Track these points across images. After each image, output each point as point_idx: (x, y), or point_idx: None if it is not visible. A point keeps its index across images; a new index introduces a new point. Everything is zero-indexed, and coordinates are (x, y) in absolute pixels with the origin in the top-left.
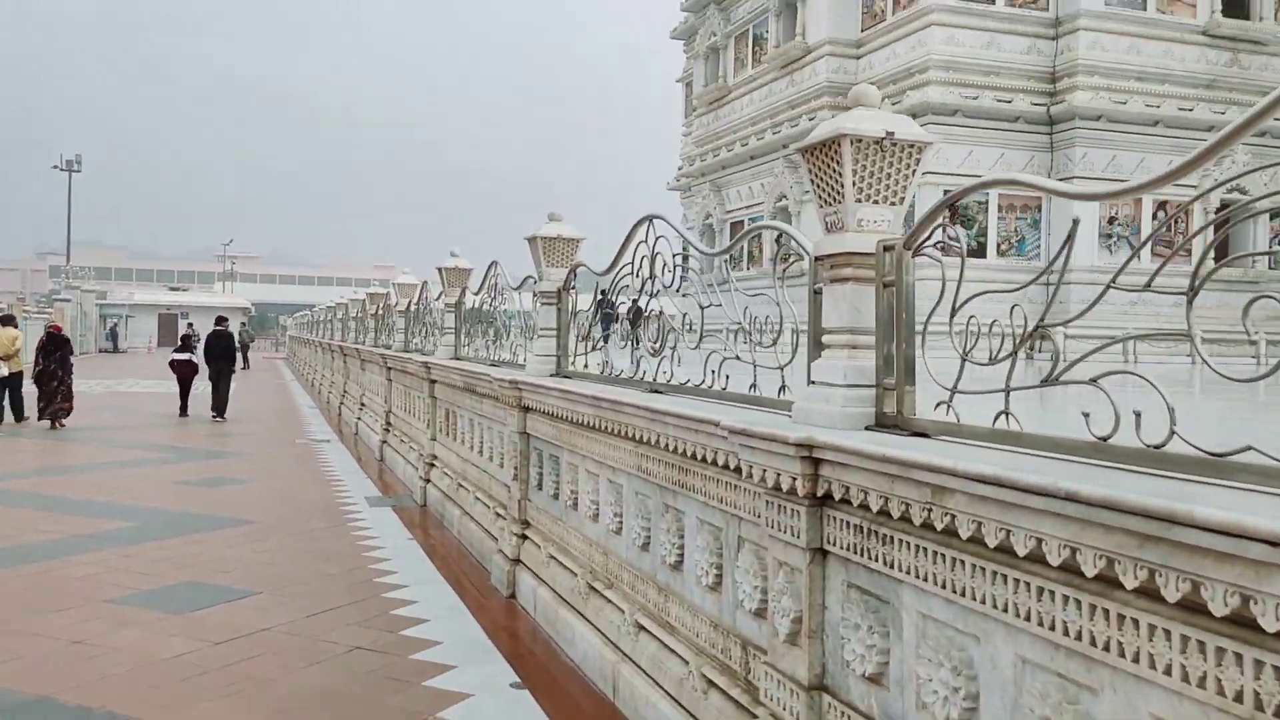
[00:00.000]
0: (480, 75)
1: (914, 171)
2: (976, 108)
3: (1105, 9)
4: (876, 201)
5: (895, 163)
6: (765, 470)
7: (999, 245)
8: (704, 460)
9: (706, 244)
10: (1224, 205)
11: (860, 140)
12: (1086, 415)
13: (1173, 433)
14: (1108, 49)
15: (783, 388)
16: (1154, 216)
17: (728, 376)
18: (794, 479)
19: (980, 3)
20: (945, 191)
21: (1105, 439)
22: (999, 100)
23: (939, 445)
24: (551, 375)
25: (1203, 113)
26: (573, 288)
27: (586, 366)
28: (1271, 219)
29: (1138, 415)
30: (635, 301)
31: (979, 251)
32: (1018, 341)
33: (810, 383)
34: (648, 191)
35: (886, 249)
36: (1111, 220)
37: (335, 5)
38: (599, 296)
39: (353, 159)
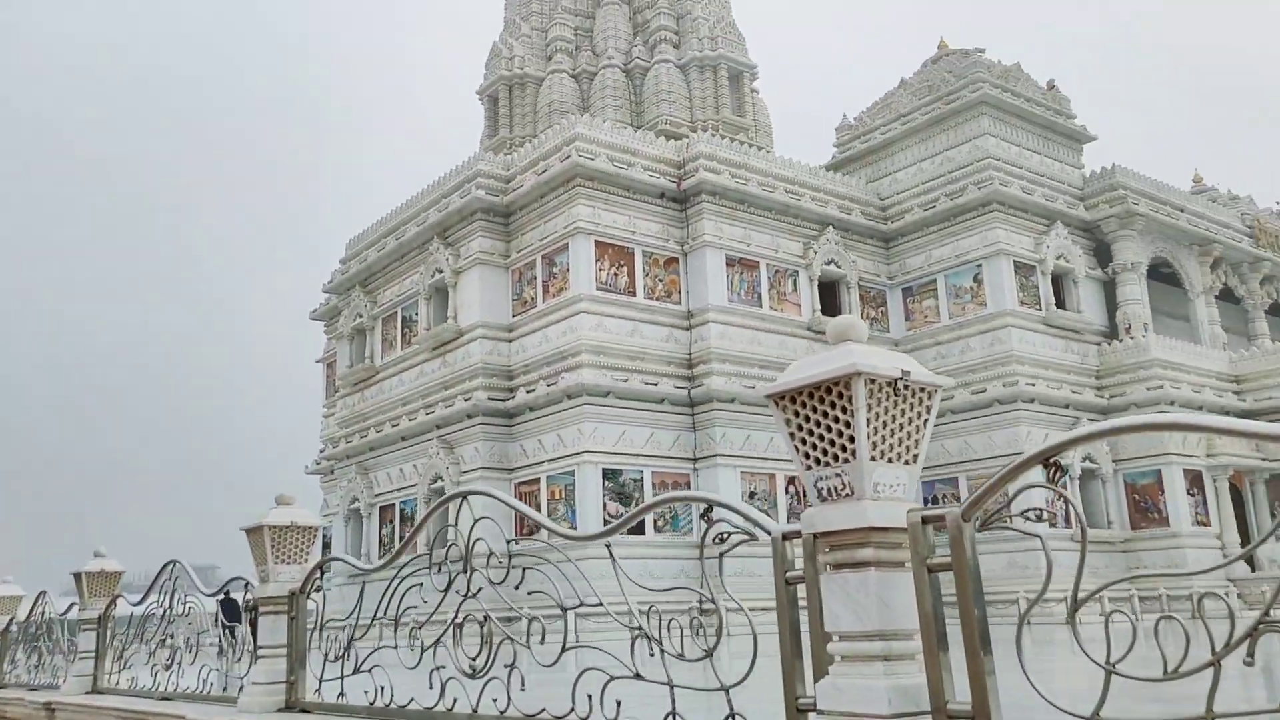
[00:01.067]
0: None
1: (927, 424)
2: (627, 389)
3: (729, 305)
4: (892, 460)
5: (910, 411)
6: None
7: (655, 521)
8: None
9: (353, 530)
10: None
11: (875, 380)
12: None
13: None
14: (734, 340)
15: (729, 716)
16: (786, 490)
17: (618, 702)
18: None
19: (623, 295)
20: (604, 470)
21: None
22: (646, 383)
23: None
24: (280, 710)
25: None
26: (317, 588)
27: (343, 696)
28: None
29: None
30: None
31: (638, 528)
32: None
33: (818, 712)
34: (284, 476)
35: (927, 521)
36: (752, 495)
37: None
38: (224, 597)
39: None
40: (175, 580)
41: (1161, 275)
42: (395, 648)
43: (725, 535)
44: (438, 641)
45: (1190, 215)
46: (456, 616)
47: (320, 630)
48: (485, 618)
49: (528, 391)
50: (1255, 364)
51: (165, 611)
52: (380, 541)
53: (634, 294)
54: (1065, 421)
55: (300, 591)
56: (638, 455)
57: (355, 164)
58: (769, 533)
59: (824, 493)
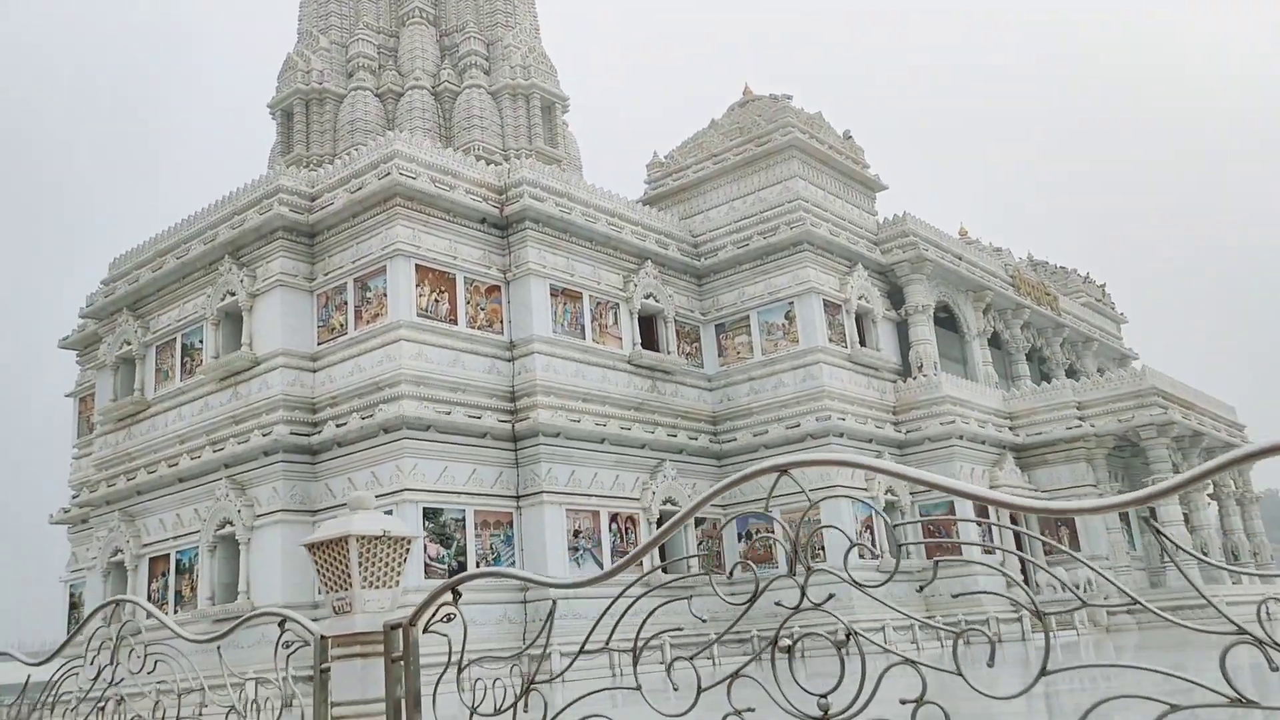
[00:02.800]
0: None
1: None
2: (449, 423)
3: (553, 336)
4: (377, 586)
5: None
6: None
7: (478, 562)
8: None
9: (114, 586)
10: (662, 516)
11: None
12: None
13: None
14: (559, 372)
15: None
16: (610, 527)
17: None
18: None
19: (444, 322)
20: (424, 510)
21: None
22: (469, 416)
23: None
24: None
25: (637, 431)
26: (448, 618)
27: None
28: (697, 526)
29: None
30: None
31: (461, 569)
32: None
33: None
34: (23, 526)
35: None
36: (577, 534)
37: None
38: None
39: None
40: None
41: (939, 319)
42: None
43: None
44: (740, 671)
45: (967, 263)
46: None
47: (458, 671)
48: (848, 635)
49: (338, 425)
50: (1024, 402)
51: (103, 670)
52: (150, 598)
53: (455, 322)
54: (869, 455)
55: (411, 623)
56: (460, 493)
57: (115, 179)
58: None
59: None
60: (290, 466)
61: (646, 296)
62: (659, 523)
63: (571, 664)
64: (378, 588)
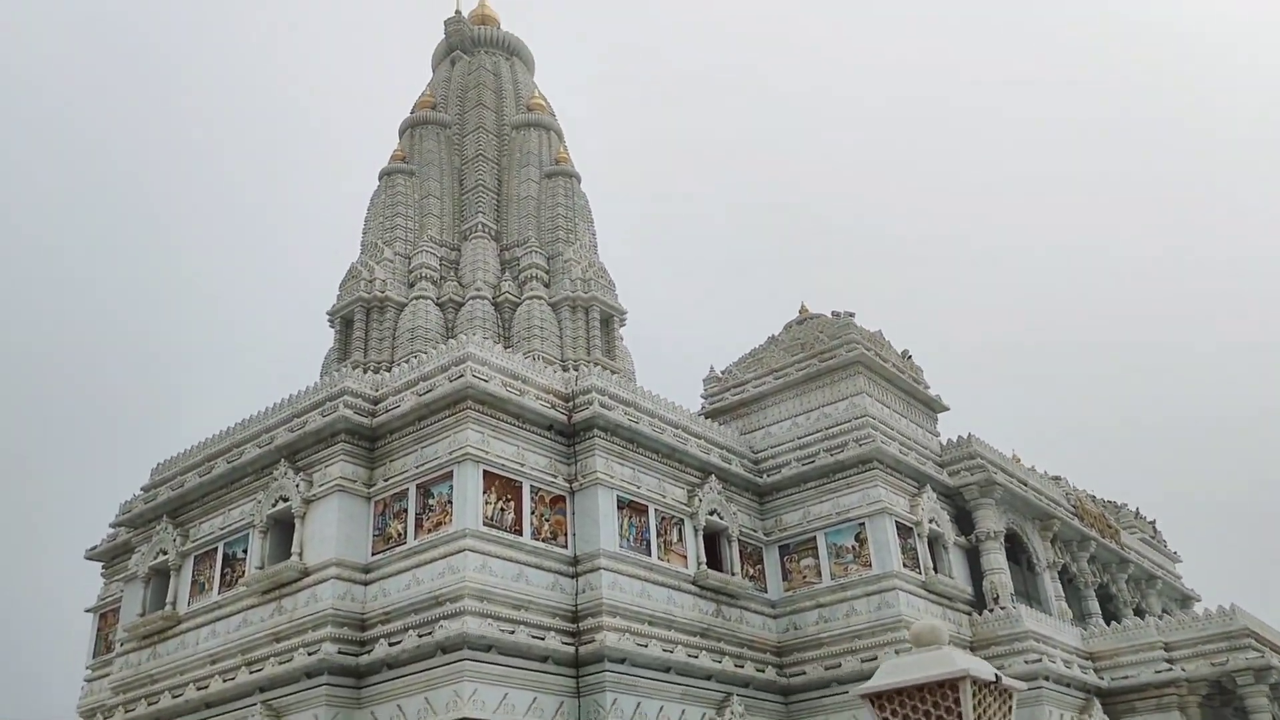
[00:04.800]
0: None
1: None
2: (512, 644)
3: (619, 551)
4: None
5: (1001, 708)
6: None
7: None
8: None
9: None
10: None
11: (976, 682)
12: None
13: None
14: (625, 590)
15: None
16: None
17: None
18: None
19: (509, 533)
20: None
21: None
22: (533, 636)
23: None
24: None
25: (704, 660)
26: None
27: None
28: None
29: None
30: None
31: None
32: None
33: None
34: None
35: None
36: None
37: None
38: None
39: None
40: None
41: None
42: None
43: None
44: None
45: (1034, 489)
46: None
47: None
48: None
49: (390, 644)
50: (1106, 642)
51: None
52: None
53: (520, 533)
54: None
55: None
56: None
57: (145, 388)
58: None
59: None
60: (334, 690)
61: (711, 513)
62: None
63: None
64: None
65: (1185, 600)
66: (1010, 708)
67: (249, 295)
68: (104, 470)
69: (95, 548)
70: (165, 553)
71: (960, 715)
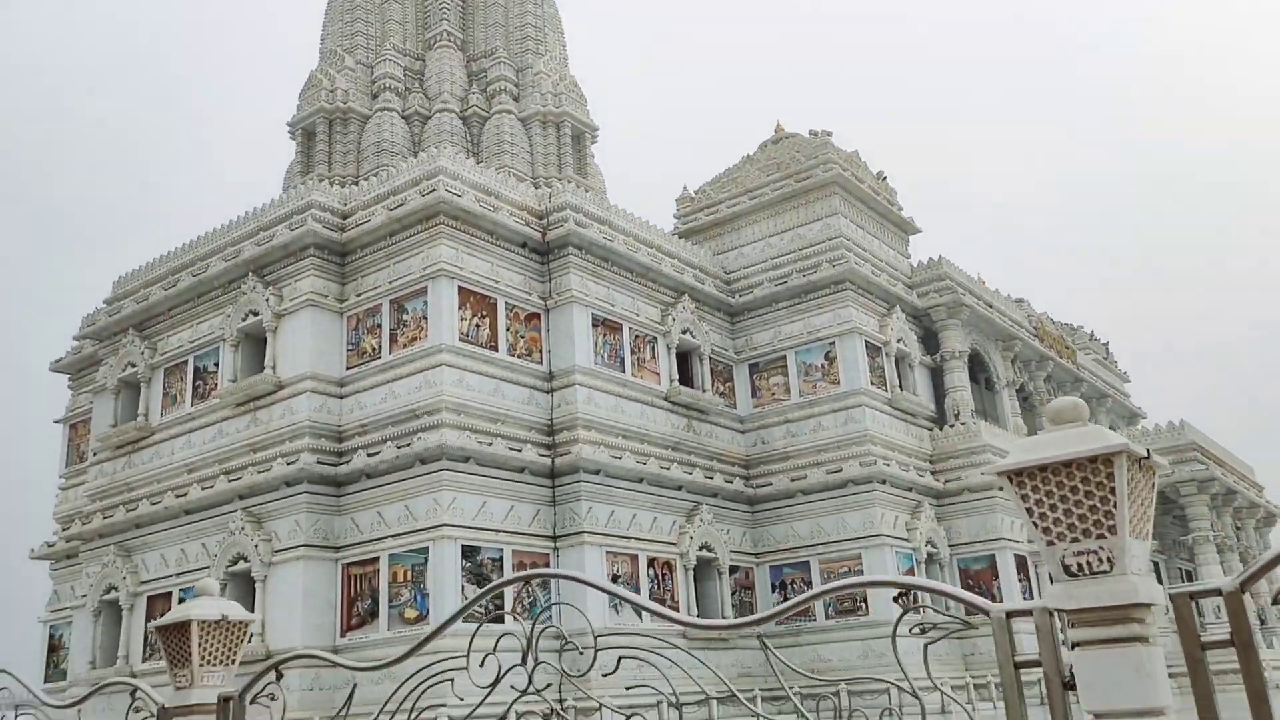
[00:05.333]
0: None
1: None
2: (490, 455)
3: (594, 367)
4: (1139, 536)
5: (1148, 488)
6: None
7: (514, 606)
8: None
9: (105, 627)
10: (699, 562)
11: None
12: None
13: None
14: (599, 405)
15: None
16: (648, 572)
17: None
18: None
19: (485, 348)
20: (463, 546)
21: None
22: (510, 448)
23: None
24: None
25: (676, 472)
26: (270, 696)
27: None
28: (730, 574)
29: None
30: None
31: (496, 614)
32: None
33: None
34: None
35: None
36: (615, 578)
37: None
38: None
39: None
40: None
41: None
42: None
43: (929, 625)
44: None
45: (998, 311)
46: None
47: None
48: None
49: (369, 455)
50: None
51: None
52: (147, 639)
53: (496, 349)
54: (909, 504)
55: (240, 697)
56: (498, 531)
57: (111, 199)
58: (988, 614)
59: (1074, 568)
60: (314, 499)
61: (684, 332)
62: (696, 569)
63: None
64: (215, 665)
65: (1132, 417)
66: (1154, 485)
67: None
68: (67, 284)
69: (60, 360)
70: (134, 365)
71: (1113, 490)
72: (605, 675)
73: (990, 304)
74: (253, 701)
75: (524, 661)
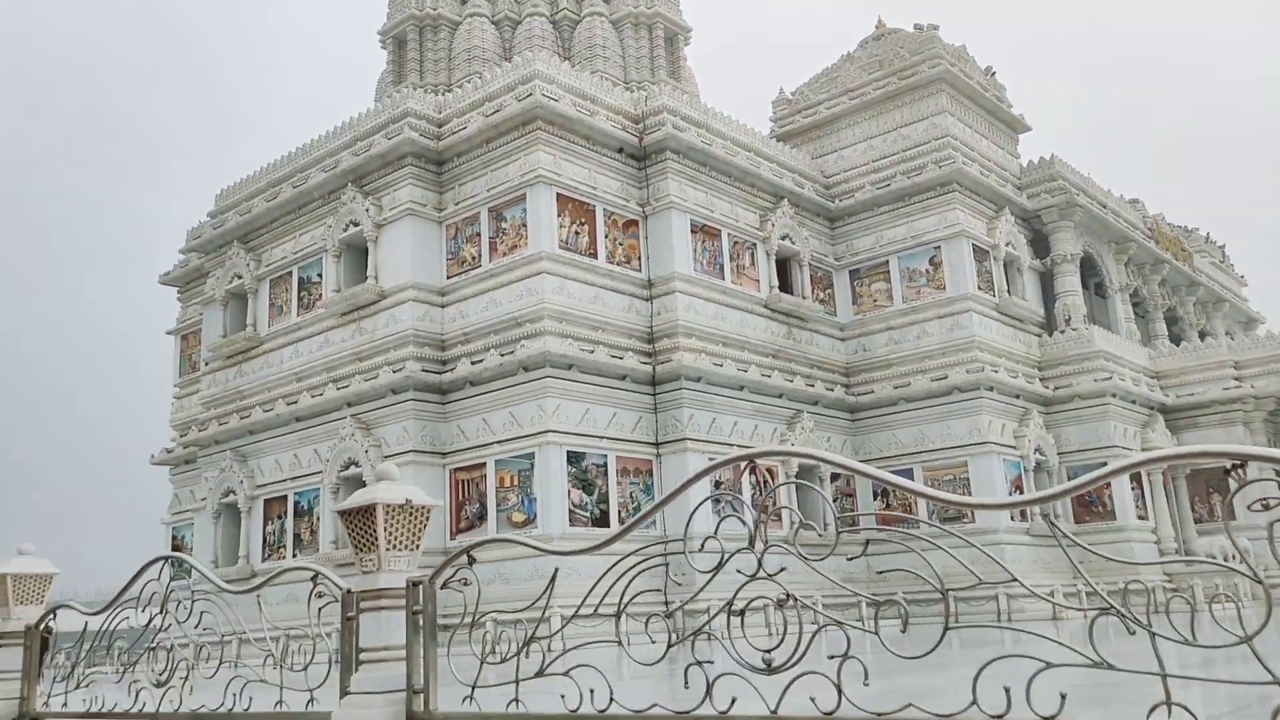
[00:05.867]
0: None
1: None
2: (592, 363)
3: (693, 275)
4: (399, 549)
5: (415, 520)
6: None
7: (619, 511)
8: None
9: (226, 529)
10: (800, 471)
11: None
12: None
13: None
14: (699, 313)
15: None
16: (749, 481)
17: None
18: None
19: (584, 256)
20: (568, 452)
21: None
22: (612, 355)
23: None
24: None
25: (776, 379)
26: (465, 581)
27: (517, 703)
28: (832, 482)
29: None
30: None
31: (602, 519)
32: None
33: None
34: (126, 468)
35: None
36: (718, 485)
37: None
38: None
39: None
40: (167, 581)
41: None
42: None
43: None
44: (700, 630)
45: (1112, 212)
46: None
47: (473, 629)
48: (787, 596)
49: (473, 363)
50: (1174, 361)
51: (154, 618)
52: (265, 540)
53: (595, 256)
54: (1017, 411)
55: (430, 581)
56: (602, 438)
57: (206, 116)
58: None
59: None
60: (420, 406)
61: (783, 238)
62: (799, 477)
63: (565, 624)
64: (401, 550)
65: (1250, 323)
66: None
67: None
68: (168, 198)
69: (168, 273)
70: (240, 277)
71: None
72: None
73: (1104, 204)
74: (443, 587)
75: (751, 545)
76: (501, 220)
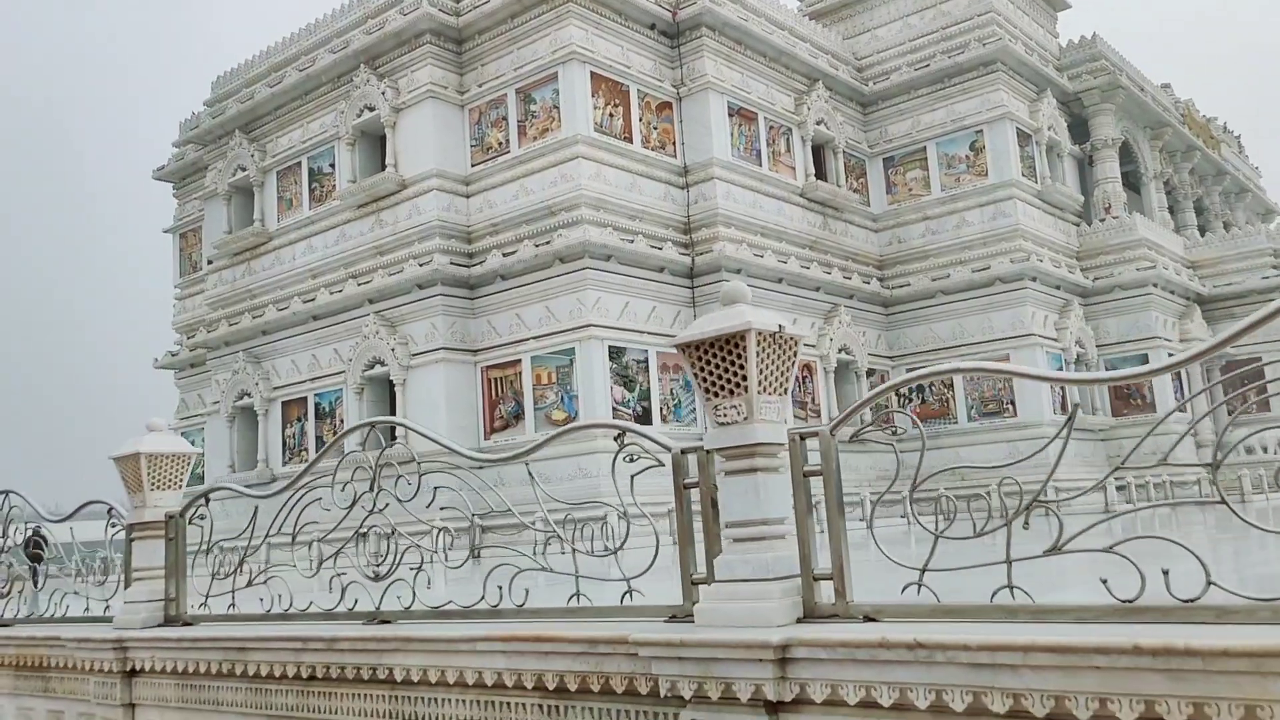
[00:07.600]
0: None
1: (794, 364)
2: (631, 253)
3: (731, 161)
4: (773, 392)
5: (784, 355)
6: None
7: (661, 409)
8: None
9: (241, 432)
10: (839, 365)
11: (761, 334)
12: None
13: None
14: (738, 201)
15: (627, 593)
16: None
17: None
18: (758, 685)
19: (619, 140)
20: (610, 347)
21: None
22: (652, 246)
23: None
24: (161, 625)
25: (815, 271)
26: (200, 516)
27: (233, 607)
28: (867, 377)
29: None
30: (36, 531)
31: (644, 416)
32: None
33: (712, 580)
34: (127, 373)
35: (804, 437)
36: None
37: None
38: (31, 535)
39: None
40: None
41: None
42: (294, 565)
43: (634, 456)
44: (339, 551)
45: (1150, 95)
46: (361, 528)
47: (209, 553)
48: (392, 530)
49: (505, 255)
50: (1210, 250)
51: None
52: (285, 444)
53: (630, 140)
54: (1058, 302)
55: (180, 515)
56: (642, 332)
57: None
58: (669, 450)
59: (723, 417)
60: (449, 301)
61: (818, 123)
62: (836, 373)
63: None
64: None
65: (1268, 213)
66: (795, 353)
67: None
68: (157, 87)
69: (163, 168)
70: (244, 169)
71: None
72: None
73: (1142, 88)
74: (188, 519)
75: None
76: (530, 102)
